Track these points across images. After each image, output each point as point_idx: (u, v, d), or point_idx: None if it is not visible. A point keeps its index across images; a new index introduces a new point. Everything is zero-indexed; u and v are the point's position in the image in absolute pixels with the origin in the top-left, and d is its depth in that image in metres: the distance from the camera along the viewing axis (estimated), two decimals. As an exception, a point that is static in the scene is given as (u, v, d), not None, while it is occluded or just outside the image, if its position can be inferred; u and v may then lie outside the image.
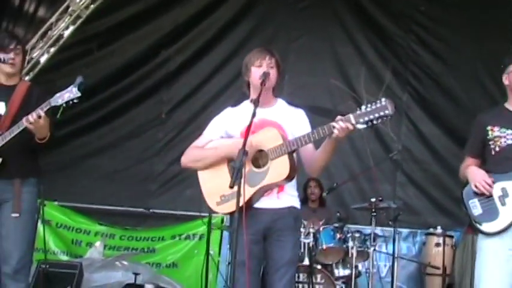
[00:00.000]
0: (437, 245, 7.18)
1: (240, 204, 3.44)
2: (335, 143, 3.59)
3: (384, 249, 7.45)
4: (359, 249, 6.35)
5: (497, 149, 3.97)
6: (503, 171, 3.91)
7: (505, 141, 3.95)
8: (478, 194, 3.94)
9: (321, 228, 6.36)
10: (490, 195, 3.91)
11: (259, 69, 3.85)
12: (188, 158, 3.98)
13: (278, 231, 3.79)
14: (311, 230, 6.28)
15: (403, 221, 7.34)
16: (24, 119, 3.97)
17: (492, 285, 3.84)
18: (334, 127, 3.45)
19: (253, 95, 3.89)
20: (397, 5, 8.34)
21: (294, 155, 3.75)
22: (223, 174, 3.80)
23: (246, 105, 3.94)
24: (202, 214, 6.52)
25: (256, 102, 3.68)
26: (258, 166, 3.72)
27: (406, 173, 8.16)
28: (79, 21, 8.42)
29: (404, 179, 8.14)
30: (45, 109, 3.97)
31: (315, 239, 6.29)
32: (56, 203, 7.90)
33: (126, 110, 8.54)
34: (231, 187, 3.36)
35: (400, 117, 8.21)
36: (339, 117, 3.45)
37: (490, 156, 4.01)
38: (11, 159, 4.15)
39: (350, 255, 6.32)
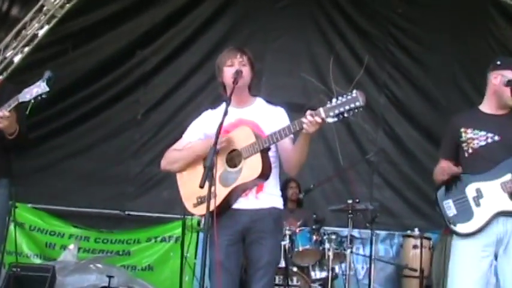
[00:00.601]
0: (415, 247, 7.14)
1: (213, 205, 3.40)
2: (307, 138, 3.56)
3: (361, 252, 7.40)
4: (336, 251, 6.30)
5: (470, 150, 3.97)
6: (477, 172, 3.90)
7: (477, 143, 3.94)
8: (453, 195, 3.92)
9: (297, 230, 6.30)
10: (459, 176, 3.92)
11: (231, 68, 3.80)
12: (166, 161, 3.96)
13: (257, 232, 3.74)
14: (287, 232, 6.21)
15: (381, 223, 7.30)
16: None
17: (465, 285, 3.82)
18: (303, 122, 3.41)
19: (232, 95, 3.80)
20: (375, 6, 8.32)
21: (271, 152, 3.73)
22: (199, 175, 3.71)
23: (224, 107, 3.87)
24: (176, 216, 6.44)
25: (228, 101, 3.63)
26: (232, 166, 3.68)
27: (383, 175, 8.13)
28: (54, 21, 8.26)
29: (380, 181, 8.11)
30: (12, 105, 3.89)
31: (291, 240, 6.24)
32: (29, 205, 7.77)
33: (102, 110, 8.42)
34: (201, 187, 3.31)
35: (376, 120, 8.20)
36: (308, 111, 3.41)
37: (464, 158, 4.00)
38: None
39: (326, 257, 6.26)
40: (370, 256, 6.75)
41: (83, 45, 8.47)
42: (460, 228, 3.88)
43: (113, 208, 8.07)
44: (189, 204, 3.81)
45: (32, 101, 3.86)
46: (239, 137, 3.67)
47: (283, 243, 6.13)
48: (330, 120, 3.38)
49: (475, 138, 3.95)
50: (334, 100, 3.36)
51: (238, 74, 3.75)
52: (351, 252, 6.41)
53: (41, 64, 8.27)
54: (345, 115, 3.33)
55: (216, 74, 3.92)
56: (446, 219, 3.94)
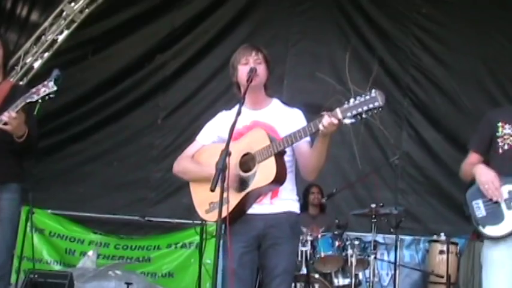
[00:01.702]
0: (441, 252, 6.92)
1: (225, 211, 3.26)
2: (325, 140, 3.39)
3: (386, 258, 7.24)
4: (359, 257, 6.13)
5: (505, 147, 3.73)
6: (510, 172, 3.67)
7: None
8: (484, 195, 3.70)
9: (319, 236, 6.15)
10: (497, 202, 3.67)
11: (246, 66, 3.64)
12: (178, 168, 3.82)
13: (273, 238, 3.57)
14: (309, 238, 6.07)
15: (406, 228, 7.16)
16: None
17: None
18: (319, 123, 3.27)
19: (247, 96, 3.61)
20: (397, 7, 8.14)
21: (288, 157, 3.56)
22: None
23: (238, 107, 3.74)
24: (196, 222, 6.32)
25: (242, 100, 3.49)
26: (246, 170, 3.51)
27: (407, 180, 7.94)
28: (73, 26, 8.30)
29: (405, 186, 7.92)
30: (20, 106, 3.73)
31: (313, 247, 6.09)
32: (49, 211, 7.73)
33: (122, 115, 8.39)
34: (212, 190, 3.15)
35: (400, 123, 8.03)
36: (324, 112, 3.25)
37: (497, 156, 3.76)
38: None
39: (349, 263, 6.09)
40: (395, 262, 6.58)
41: (103, 50, 8.48)
42: (489, 230, 3.67)
43: (133, 214, 7.99)
44: (201, 211, 3.67)
45: (40, 101, 3.72)
46: (253, 140, 3.51)
47: (304, 249, 6.05)
48: (347, 121, 3.22)
49: None
50: (352, 100, 3.20)
51: (252, 71, 3.59)
52: (375, 258, 6.24)
53: (61, 69, 8.23)
54: (363, 116, 3.17)
55: (230, 73, 3.76)
56: (474, 220, 3.72)
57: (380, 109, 3.16)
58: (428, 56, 8.06)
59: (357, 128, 7.50)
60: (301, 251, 6.03)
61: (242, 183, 3.50)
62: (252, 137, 3.54)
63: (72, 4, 8.28)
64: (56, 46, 8.24)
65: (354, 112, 3.19)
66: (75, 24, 8.28)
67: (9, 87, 4.11)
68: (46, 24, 8.15)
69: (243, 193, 3.49)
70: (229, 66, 3.77)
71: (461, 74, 7.90)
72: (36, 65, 8.31)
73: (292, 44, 8.40)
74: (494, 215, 3.66)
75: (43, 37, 8.17)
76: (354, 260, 6.08)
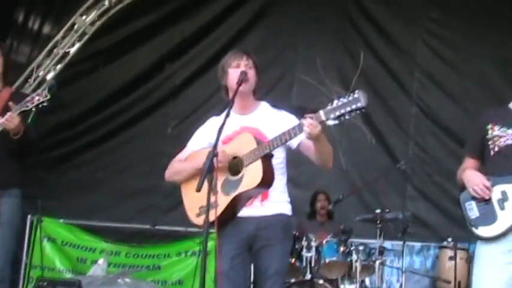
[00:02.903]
0: (451, 258, 6.84)
1: (214, 214, 3.32)
2: (315, 141, 3.44)
3: (395, 264, 7.18)
4: (364, 262, 6.12)
5: (496, 149, 3.72)
6: (502, 173, 3.66)
7: (504, 142, 3.71)
8: (476, 197, 3.71)
9: (324, 242, 6.15)
10: (489, 199, 3.67)
11: (237, 69, 3.70)
12: (170, 171, 3.92)
13: (264, 240, 3.62)
14: (313, 244, 6.08)
15: (415, 234, 7.15)
16: None
17: None
18: (303, 125, 3.30)
19: (235, 101, 3.71)
20: (406, 12, 8.11)
21: (278, 159, 3.62)
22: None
23: (230, 114, 3.77)
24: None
25: (231, 102, 3.55)
26: (234, 174, 3.57)
27: (416, 186, 7.90)
28: (85, 38, 8.44)
29: (414, 192, 7.88)
30: (16, 113, 3.94)
31: (318, 252, 6.10)
32: (61, 220, 7.81)
33: (133, 125, 8.47)
34: (198, 190, 3.22)
35: (408, 130, 8.01)
36: (307, 115, 3.29)
37: (489, 158, 3.77)
38: None
39: (354, 269, 6.08)
40: (402, 268, 6.57)
41: (114, 61, 8.57)
42: (482, 231, 3.66)
43: (144, 222, 8.02)
44: (191, 215, 3.72)
45: (34, 109, 3.88)
46: (241, 144, 3.57)
47: (309, 254, 6.05)
48: (330, 122, 3.28)
49: (502, 136, 3.71)
50: (335, 102, 3.27)
51: (244, 75, 3.66)
52: (381, 264, 6.20)
53: (73, 81, 8.45)
54: (346, 117, 3.23)
55: (219, 77, 3.83)
56: (467, 222, 3.73)
57: (363, 110, 3.21)
58: (437, 60, 8.01)
59: (364, 133, 7.48)
60: (306, 257, 6.05)
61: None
62: (240, 141, 3.60)
63: (84, 17, 8.43)
64: (68, 58, 8.37)
65: (337, 113, 3.25)
66: (86, 37, 8.42)
67: (8, 95, 4.26)
68: (58, 37, 8.29)
69: (231, 196, 3.54)
70: (218, 70, 3.79)
71: (472, 80, 7.82)
72: (49, 77, 8.45)
73: (302, 52, 8.36)
74: (487, 216, 3.65)
75: (55, 49, 8.30)
76: (358, 265, 6.07)
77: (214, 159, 3.32)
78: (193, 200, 3.66)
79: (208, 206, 3.25)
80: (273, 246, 3.61)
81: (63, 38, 8.31)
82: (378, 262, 6.17)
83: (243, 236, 3.62)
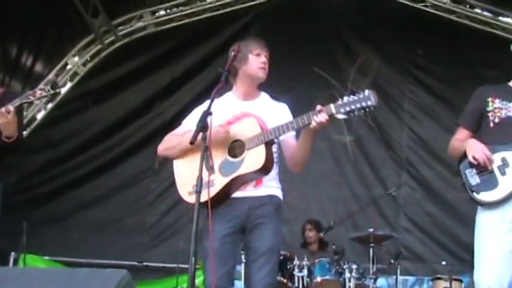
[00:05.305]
0: (446, 290, 6.69)
1: (207, 194, 3.30)
2: (310, 134, 3.46)
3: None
4: (357, 282, 5.94)
5: (496, 120, 3.75)
6: (503, 141, 3.69)
7: (505, 113, 3.74)
8: (476, 165, 3.69)
9: (316, 261, 6.00)
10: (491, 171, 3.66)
11: (258, 58, 3.70)
12: (164, 145, 3.90)
13: (257, 218, 3.58)
14: (305, 263, 5.92)
15: (408, 269, 7.12)
16: None
17: (492, 260, 3.55)
18: (312, 117, 3.34)
19: (240, 86, 3.75)
20: (394, 49, 8.27)
21: (274, 148, 3.62)
22: (197, 164, 3.57)
23: (228, 97, 3.80)
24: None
25: (227, 74, 3.59)
26: (234, 156, 3.56)
27: (409, 217, 7.83)
28: (77, 79, 8.52)
29: (407, 224, 7.81)
30: (16, 104, 3.94)
31: (310, 272, 5.93)
32: (46, 257, 7.61)
33: (120, 161, 8.42)
34: (191, 143, 3.27)
35: (400, 161, 8.01)
36: (318, 106, 3.33)
37: (488, 129, 3.78)
38: None
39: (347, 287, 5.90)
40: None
41: (105, 100, 8.59)
42: (484, 196, 3.64)
43: (129, 259, 7.81)
44: (183, 192, 3.65)
45: (36, 102, 3.94)
46: (244, 128, 3.56)
47: (300, 274, 5.90)
48: (340, 116, 3.33)
49: (503, 108, 3.75)
50: (346, 98, 3.32)
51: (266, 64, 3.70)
52: (374, 282, 6.02)
53: (62, 120, 8.43)
54: (355, 113, 3.31)
55: (237, 58, 3.67)
56: (468, 188, 3.70)
57: (372, 108, 3.29)
58: (426, 92, 8.12)
59: (356, 158, 7.51)
60: (298, 277, 5.89)
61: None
62: (243, 125, 3.59)
63: (76, 58, 8.55)
64: (58, 98, 8.40)
65: (348, 109, 3.31)
66: (78, 77, 8.51)
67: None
68: (50, 76, 8.34)
69: (229, 177, 3.52)
70: (229, 52, 3.71)
71: (460, 109, 7.83)
72: (39, 116, 8.47)
73: (290, 89, 8.36)
74: (489, 182, 3.66)
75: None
76: (352, 284, 5.90)
77: (208, 117, 3.31)
78: (187, 178, 3.60)
79: (201, 185, 3.23)
80: (265, 225, 3.57)
81: (56, 77, 8.36)
82: (371, 281, 5.99)
83: (236, 215, 3.57)
